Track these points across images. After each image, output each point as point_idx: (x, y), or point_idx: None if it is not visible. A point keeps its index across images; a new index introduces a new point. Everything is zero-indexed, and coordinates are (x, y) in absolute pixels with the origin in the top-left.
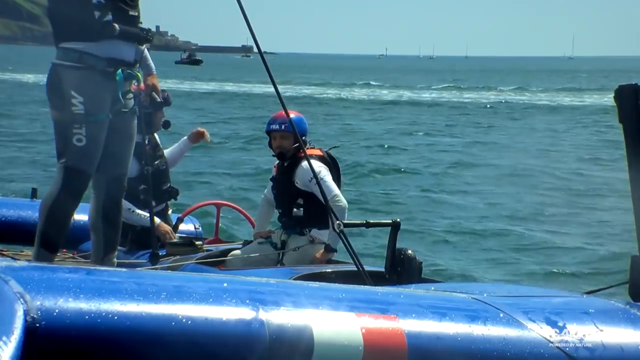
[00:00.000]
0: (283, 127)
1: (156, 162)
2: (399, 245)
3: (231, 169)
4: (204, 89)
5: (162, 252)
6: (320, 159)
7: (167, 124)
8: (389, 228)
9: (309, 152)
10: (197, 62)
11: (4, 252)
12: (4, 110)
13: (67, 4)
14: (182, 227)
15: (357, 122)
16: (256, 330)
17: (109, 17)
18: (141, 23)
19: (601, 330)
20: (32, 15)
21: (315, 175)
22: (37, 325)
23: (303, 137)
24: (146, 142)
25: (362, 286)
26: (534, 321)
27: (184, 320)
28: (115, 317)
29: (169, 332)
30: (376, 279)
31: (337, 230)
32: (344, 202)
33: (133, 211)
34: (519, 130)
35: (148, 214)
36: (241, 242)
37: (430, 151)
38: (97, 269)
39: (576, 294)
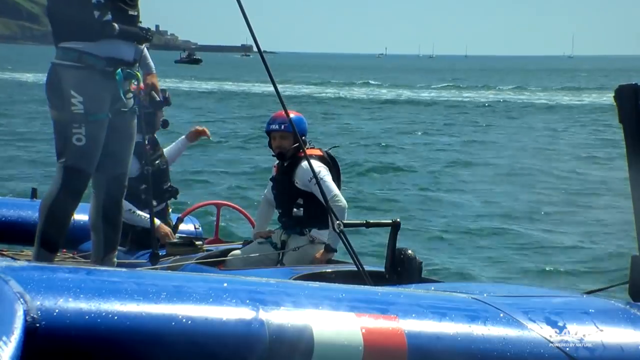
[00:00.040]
0: (283, 127)
1: (157, 162)
2: (397, 244)
3: (230, 167)
4: (203, 88)
5: (162, 252)
6: (320, 159)
7: (165, 124)
8: (389, 228)
9: (308, 152)
10: (197, 62)
11: (4, 252)
12: (3, 109)
13: (66, 3)
14: (182, 227)
15: (355, 122)
16: (256, 330)
17: (109, 16)
18: (141, 22)
19: (601, 330)
20: (32, 14)
21: (315, 175)
22: (37, 325)
23: (303, 137)
24: (146, 141)
25: (362, 286)
26: (534, 321)
27: (184, 320)
28: (115, 317)
29: (169, 332)
30: (376, 279)
31: (337, 230)
32: (343, 202)
33: (134, 212)
34: (517, 129)
35: (148, 215)
36: (241, 242)
37: (428, 150)
38: (97, 269)
39: (576, 294)
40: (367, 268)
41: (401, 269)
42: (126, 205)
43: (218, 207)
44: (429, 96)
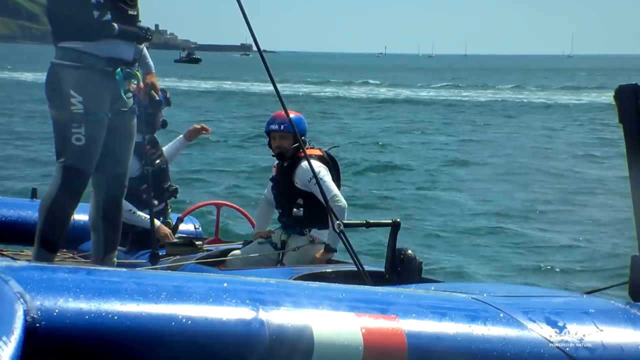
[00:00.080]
0: (282, 127)
1: (157, 161)
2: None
3: (228, 166)
4: (203, 87)
5: (162, 252)
6: (320, 159)
7: (164, 124)
8: (389, 228)
9: (308, 152)
10: (196, 61)
11: (4, 252)
12: (2, 109)
13: (66, 3)
14: (182, 227)
15: (354, 121)
16: (256, 330)
17: (108, 16)
18: (140, 22)
19: (601, 330)
20: (31, 13)
21: (315, 175)
22: (37, 325)
23: (303, 137)
24: (145, 141)
25: (362, 286)
26: (534, 321)
27: (184, 320)
28: (115, 317)
29: (169, 332)
30: (376, 279)
31: (337, 230)
32: (343, 202)
33: (134, 212)
34: (515, 129)
35: (148, 216)
36: (241, 242)
37: (426, 149)
38: (97, 269)
39: (576, 294)
40: (367, 268)
41: (401, 269)
42: (126, 205)
43: (218, 207)
44: (428, 95)
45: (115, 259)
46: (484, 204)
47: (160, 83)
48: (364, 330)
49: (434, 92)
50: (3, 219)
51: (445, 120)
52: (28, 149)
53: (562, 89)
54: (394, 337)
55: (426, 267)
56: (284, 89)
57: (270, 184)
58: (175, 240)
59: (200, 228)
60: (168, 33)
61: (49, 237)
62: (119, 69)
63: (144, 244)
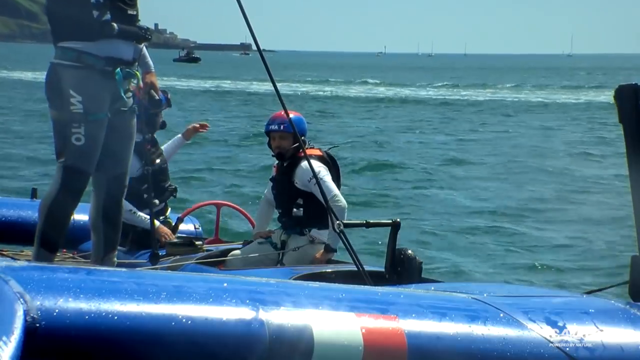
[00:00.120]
0: (282, 127)
1: (157, 161)
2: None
3: (227, 165)
4: (202, 86)
5: (162, 252)
6: (320, 159)
7: (163, 124)
8: (389, 228)
9: (308, 152)
10: (196, 60)
11: (4, 252)
12: (1, 108)
13: (65, 3)
14: (182, 227)
15: (352, 120)
16: (256, 330)
17: (108, 16)
18: (139, 21)
19: (601, 330)
20: (31, 13)
21: (315, 175)
22: (37, 325)
23: (302, 137)
24: (145, 141)
25: (362, 286)
26: (534, 321)
27: (184, 320)
28: (115, 317)
29: (169, 332)
30: (376, 279)
31: (337, 230)
32: (343, 202)
33: (134, 212)
34: (514, 128)
35: (149, 217)
36: (241, 242)
37: (425, 148)
38: (97, 269)
39: (576, 294)
40: (367, 268)
41: (401, 269)
42: (126, 205)
43: (218, 207)
44: (427, 94)
45: (115, 259)
46: (481, 202)
47: (160, 82)
48: (364, 330)
49: (434, 92)
50: (3, 219)
51: (444, 120)
52: (28, 148)
53: (561, 89)
54: (394, 337)
55: (423, 265)
56: (283, 88)
57: (270, 184)
58: (175, 240)
59: (200, 228)
60: (167, 32)
61: (49, 237)
62: (118, 69)
63: (144, 244)
